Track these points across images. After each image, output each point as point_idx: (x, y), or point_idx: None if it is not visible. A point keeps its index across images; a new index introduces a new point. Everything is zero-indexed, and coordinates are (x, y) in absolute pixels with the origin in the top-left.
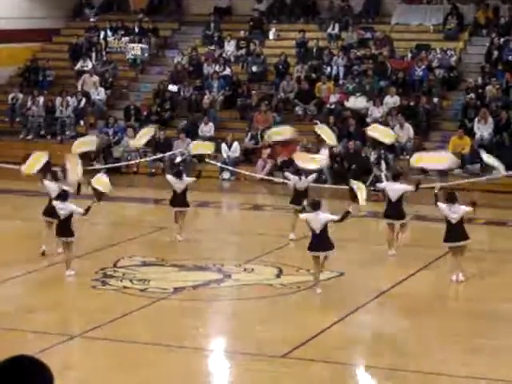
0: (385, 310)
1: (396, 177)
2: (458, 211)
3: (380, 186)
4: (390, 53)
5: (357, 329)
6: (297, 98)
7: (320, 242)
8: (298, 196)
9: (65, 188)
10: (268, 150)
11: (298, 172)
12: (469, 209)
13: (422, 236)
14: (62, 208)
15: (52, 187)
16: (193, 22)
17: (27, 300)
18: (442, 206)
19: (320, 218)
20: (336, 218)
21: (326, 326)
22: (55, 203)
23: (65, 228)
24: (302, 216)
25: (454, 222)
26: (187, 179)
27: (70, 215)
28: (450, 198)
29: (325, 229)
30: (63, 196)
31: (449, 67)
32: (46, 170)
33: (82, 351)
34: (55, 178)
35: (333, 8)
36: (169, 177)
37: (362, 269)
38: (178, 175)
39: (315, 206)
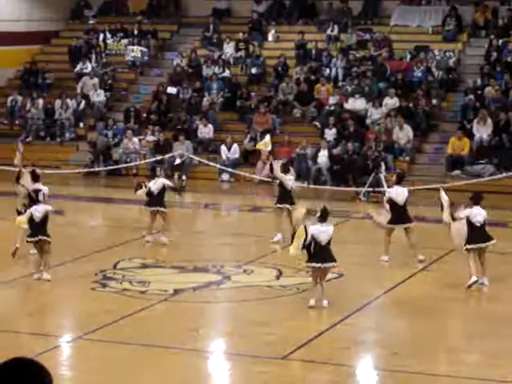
0: (385, 311)
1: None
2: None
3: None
4: (388, 54)
5: (357, 330)
6: (296, 100)
7: (326, 253)
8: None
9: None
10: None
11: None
12: None
13: (422, 237)
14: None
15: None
16: (192, 23)
17: (27, 302)
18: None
19: (328, 229)
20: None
21: (326, 327)
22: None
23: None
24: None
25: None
26: (163, 180)
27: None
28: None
29: (329, 241)
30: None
31: (448, 68)
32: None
33: (82, 353)
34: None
35: (332, 9)
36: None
37: (361, 270)
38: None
39: (324, 217)
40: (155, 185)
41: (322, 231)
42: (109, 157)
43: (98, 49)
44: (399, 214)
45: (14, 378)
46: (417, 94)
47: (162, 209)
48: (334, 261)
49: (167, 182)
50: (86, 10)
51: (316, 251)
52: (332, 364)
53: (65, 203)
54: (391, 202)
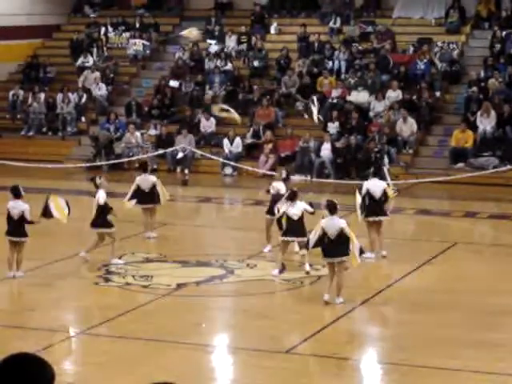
0: (388, 304)
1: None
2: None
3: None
4: (391, 46)
5: (360, 324)
6: (299, 93)
7: (335, 247)
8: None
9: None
10: (270, 145)
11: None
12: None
13: (425, 230)
14: (15, 207)
15: None
16: (194, 17)
17: (30, 297)
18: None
19: (335, 223)
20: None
21: (329, 321)
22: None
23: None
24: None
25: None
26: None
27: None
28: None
29: (340, 234)
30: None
31: (451, 61)
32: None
33: (85, 348)
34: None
35: (334, 2)
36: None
37: (365, 264)
38: (145, 170)
39: (332, 210)
40: (146, 182)
41: (329, 224)
42: (111, 151)
43: (100, 42)
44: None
45: (17, 374)
46: (420, 87)
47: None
48: (344, 254)
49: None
50: (86, 6)
51: (325, 246)
52: (336, 357)
53: (67, 198)
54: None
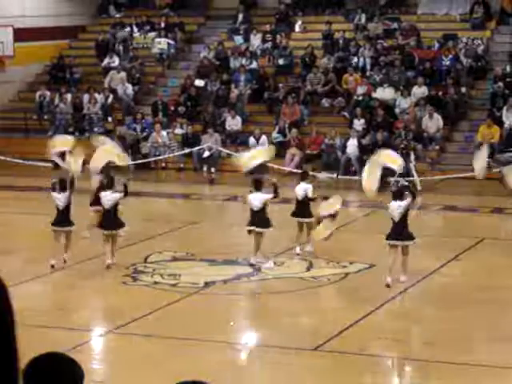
0: (417, 300)
1: None
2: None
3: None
4: (416, 43)
5: (389, 320)
6: (324, 91)
7: (399, 230)
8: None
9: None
10: (296, 143)
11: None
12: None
13: (452, 226)
14: (60, 198)
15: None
16: (218, 15)
17: (59, 297)
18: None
19: (398, 206)
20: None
21: (358, 317)
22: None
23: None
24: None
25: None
26: None
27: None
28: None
29: (404, 218)
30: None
31: (476, 56)
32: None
33: (114, 347)
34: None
35: None
36: None
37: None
38: None
39: (397, 195)
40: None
41: (393, 208)
42: (137, 151)
43: (125, 43)
44: None
45: (46, 373)
46: (445, 83)
47: None
48: (406, 239)
49: None
50: (111, 7)
51: (391, 228)
52: (364, 355)
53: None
54: None
